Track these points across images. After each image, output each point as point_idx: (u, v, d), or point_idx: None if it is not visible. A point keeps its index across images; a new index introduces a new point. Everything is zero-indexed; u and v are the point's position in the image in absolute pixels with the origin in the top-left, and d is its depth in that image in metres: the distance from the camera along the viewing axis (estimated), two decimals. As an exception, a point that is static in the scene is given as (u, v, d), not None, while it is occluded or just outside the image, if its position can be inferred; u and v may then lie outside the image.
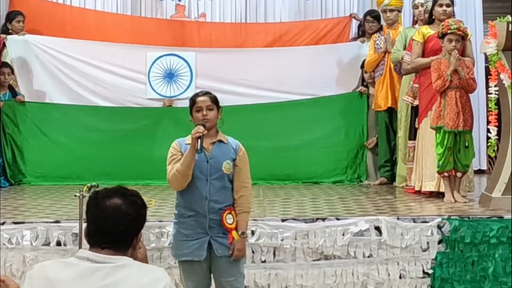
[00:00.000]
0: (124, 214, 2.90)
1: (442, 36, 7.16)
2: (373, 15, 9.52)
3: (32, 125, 9.22)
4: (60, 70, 9.63)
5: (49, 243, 5.92)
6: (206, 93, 4.95)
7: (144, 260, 3.13)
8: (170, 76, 9.70)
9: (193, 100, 4.92)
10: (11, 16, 9.69)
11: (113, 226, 2.88)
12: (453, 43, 7.07)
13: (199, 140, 4.64)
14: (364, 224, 6.01)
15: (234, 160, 4.87)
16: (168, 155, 4.90)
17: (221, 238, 4.81)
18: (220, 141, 4.89)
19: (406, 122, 8.44)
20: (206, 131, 4.69)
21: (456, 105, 7.04)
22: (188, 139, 4.78)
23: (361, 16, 10.04)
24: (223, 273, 4.87)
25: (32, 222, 6.01)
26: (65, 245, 5.89)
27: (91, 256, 2.83)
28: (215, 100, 4.92)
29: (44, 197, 7.82)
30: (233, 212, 4.84)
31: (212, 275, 4.93)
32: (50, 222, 6.00)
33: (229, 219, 4.82)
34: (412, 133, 8.20)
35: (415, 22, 8.72)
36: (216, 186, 4.80)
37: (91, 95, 9.63)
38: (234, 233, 4.81)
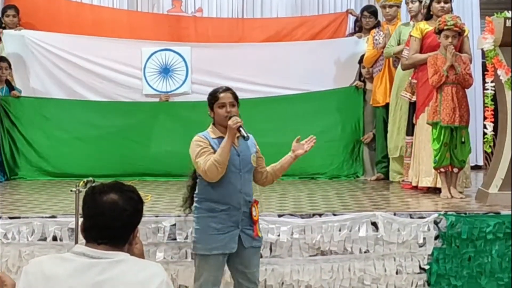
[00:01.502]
0: (121, 209, 2.89)
1: (439, 32, 7.16)
2: (370, 10, 9.51)
3: (28, 120, 9.18)
4: (56, 65, 9.59)
5: (45, 238, 5.91)
6: (228, 89, 5.05)
7: (141, 255, 3.12)
8: (165, 71, 9.67)
9: (214, 96, 5.00)
10: (4, 10, 9.66)
11: (110, 221, 2.86)
12: (450, 39, 7.07)
13: (241, 128, 4.77)
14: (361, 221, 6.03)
15: (256, 153, 5.07)
16: (194, 149, 4.95)
17: (248, 230, 4.95)
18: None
19: (404, 117, 8.43)
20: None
21: (452, 101, 7.04)
22: (212, 133, 4.94)
23: (358, 12, 10.02)
24: (248, 264, 5.00)
25: (28, 217, 6.01)
26: (61, 240, 5.88)
27: (88, 251, 2.82)
28: (236, 96, 5.03)
29: (40, 192, 7.81)
30: (256, 204, 5.00)
31: (232, 267, 5.07)
32: (46, 217, 5.99)
33: (254, 212, 4.97)
34: (410, 129, 8.20)
35: (411, 18, 8.71)
36: (247, 179, 4.98)
37: (87, 90, 9.60)
38: (258, 225, 5.00)
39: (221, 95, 4.96)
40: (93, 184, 3.11)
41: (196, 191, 5.06)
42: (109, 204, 2.89)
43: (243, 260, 4.98)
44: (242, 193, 4.91)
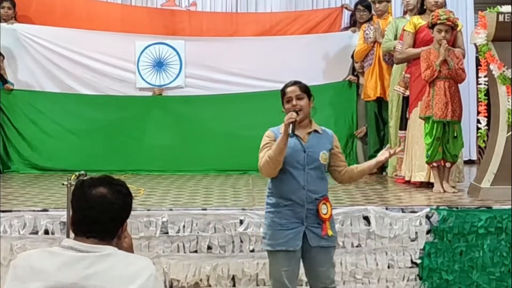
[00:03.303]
0: (110, 203, 2.88)
1: (432, 26, 7.16)
2: (364, 4, 9.49)
3: (21, 114, 9.17)
4: (49, 59, 9.56)
5: (37, 231, 5.91)
6: (296, 83, 4.92)
7: (130, 249, 3.11)
8: (159, 65, 9.65)
9: (283, 91, 4.89)
10: None
11: (99, 215, 2.85)
12: (443, 34, 7.07)
13: (291, 125, 4.63)
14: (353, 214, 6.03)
15: (330, 150, 4.89)
16: (261, 143, 4.89)
17: (315, 228, 4.79)
18: (316, 131, 4.88)
19: (397, 112, 8.45)
20: (299, 117, 4.69)
21: (445, 95, 7.05)
22: (281, 128, 4.74)
23: (352, 6, 10.01)
24: (316, 262, 4.85)
25: (20, 211, 6.00)
26: (53, 233, 5.88)
27: (76, 245, 2.82)
28: (305, 89, 4.88)
29: (32, 185, 7.81)
30: (327, 203, 4.85)
31: (303, 265, 4.94)
32: (38, 211, 5.99)
33: (323, 209, 4.81)
34: (403, 123, 8.21)
35: (405, 12, 8.71)
36: (313, 176, 4.80)
37: (80, 84, 9.57)
38: (328, 224, 4.81)
39: (288, 89, 4.86)
40: (84, 178, 3.09)
41: (267, 186, 4.98)
42: (98, 197, 2.87)
43: (312, 259, 4.86)
44: (306, 190, 4.77)
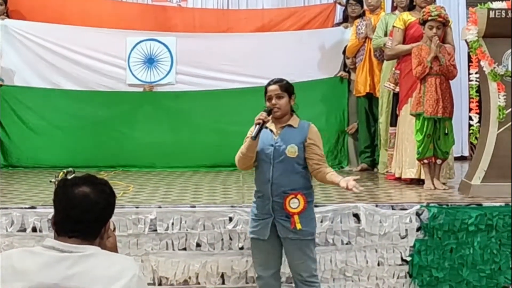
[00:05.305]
0: (93, 202, 2.86)
1: (423, 22, 7.14)
2: (355, -2, 9.47)
3: (9, 110, 9.11)
4: (39, 55, 9.53)
5: (25, 229, 5.85)
6: (278, 81, 5.11)
7: (114, 249, 3.07)
8: (150, 61, 9.62)
9: (265, 89, 5.10)
10: None
11: (82, 215, 2.83)
12: (434, 30, 7.05)
13: (257, 126, 4.84)
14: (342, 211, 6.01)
15: (303, 142, 4.99)
16: None
17: (283, 220, 4.97)
18: (290, 125, 5.03)
19: (388, 108, 8.44)
20: (268, 118, 4.89)
21: (436, 92, 7.03)
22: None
23: (344, 1, 9.98)
24: (289, 255, 5.08)
25: (7, 208, 5.94)
26: (40, 231, 5.82)
27: (58, 245, 2.79)
28: (286, 88, 5.08)
29: (20, 182, 7.75)
30: (300, 196, 4.94)
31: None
32: (25, 208, 5.94)
33: (293, 204, 4.94)
34: (394, 120, 8.19)
35: (394, 8, 8.68)
36: (279, 169, 4.95)
37: (70, 80, 9.53)
38: (296, 218, 4.92)
39: (269, 88, 5.07)
40: (72, 175, 3.06)
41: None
42: (81, 197, 2.85)
43: (286, 250, 5.09)
44: (272, 183, 4.95)
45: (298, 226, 4.92)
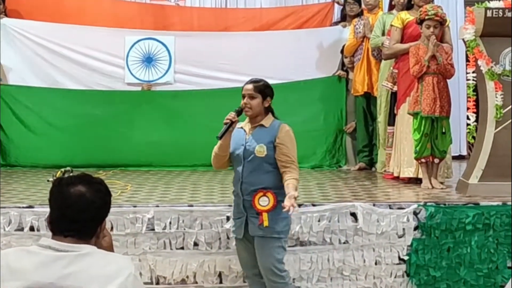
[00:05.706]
0: (89, 202, 2.85)
1: (420, 22, 7.14)
2: (353, -4, 9.46)
3: (7, 109, 9.11)
4: (38, 54, 9.52)
5: (23, 228, 5.86)
6: (254, 82, 5.14)
7: (110, 248, 3.07)
8: (148, 60, 9.61)
9: (242, 87, 5.14)
10: None
11: (77, 214, 2.82)
12: (431, 29, 7.05)
13: (225, 125, 4.92)
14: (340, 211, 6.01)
15: (273, 142, 5.00)
16: None
17: (254, 218, 5.01)
18: (262, 125, 5.06)
19: (386, 107, 8.43)
20: (236, 118, 4.96)
21: (433, 91, 7.03)
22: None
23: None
24: (258, 252, 5.08)
25: (5, 207, 5.94)
26: (38, 230, 5.82)
27: (54, 244, 2.78)
28: (260, 89, 5.09)
29: (18, 181, 7.74)
30: (269, 194, 4.96)
31: None
32: (23, 207, 5.94)
33: (262, 201, 4.97)
34: (392, 119, 8.19)
35: (392, 7, 8.68)
36: (249, 169, 5.02)
37: (68, 79, 9.53)
38: (265, 215, 4.94)
39: (245, 86, 5.12)
40: (70, 174, 3.06)
41: None
42: (77, 196, 2.84)
43: (256, 249, 5.09)
44: (243, 182, 5.02)
45: (265, 223, 4.92)
